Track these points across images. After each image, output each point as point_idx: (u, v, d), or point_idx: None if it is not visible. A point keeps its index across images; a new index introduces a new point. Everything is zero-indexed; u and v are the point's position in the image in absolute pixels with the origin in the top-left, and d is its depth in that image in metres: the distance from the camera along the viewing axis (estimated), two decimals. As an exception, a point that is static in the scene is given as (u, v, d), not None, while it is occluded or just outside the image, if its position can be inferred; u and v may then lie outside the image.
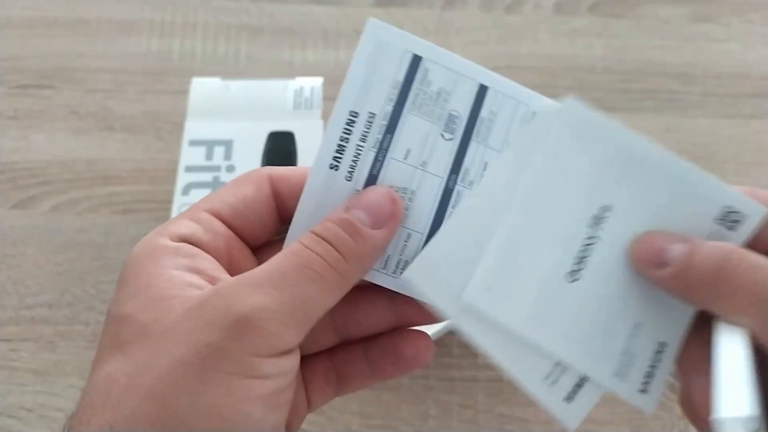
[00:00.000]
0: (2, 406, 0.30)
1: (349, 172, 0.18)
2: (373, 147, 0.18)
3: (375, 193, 0.17)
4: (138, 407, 0.13)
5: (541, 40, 0.41)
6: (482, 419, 0.30)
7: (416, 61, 0.18)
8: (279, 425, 0.15)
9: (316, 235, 0.16)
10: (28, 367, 0.31)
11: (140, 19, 0.41)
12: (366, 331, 0.19)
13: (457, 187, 0.18)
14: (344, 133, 0.18)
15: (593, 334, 0.18)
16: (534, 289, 0.17)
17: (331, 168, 0.18)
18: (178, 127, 0.36)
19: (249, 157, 0.33)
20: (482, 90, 0.19)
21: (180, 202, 0.31)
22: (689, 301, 0.17)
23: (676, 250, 0.16)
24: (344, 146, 0.18)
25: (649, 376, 0.18)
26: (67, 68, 0.39)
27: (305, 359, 0.19)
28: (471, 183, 0.18)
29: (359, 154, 0.18)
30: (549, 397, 0.18)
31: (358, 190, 0.18)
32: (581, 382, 0.18)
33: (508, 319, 0.17)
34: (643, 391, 0.18)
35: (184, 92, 0.35)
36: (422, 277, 0.17)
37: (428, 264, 0.17)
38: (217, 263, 0.16)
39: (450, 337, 0.32)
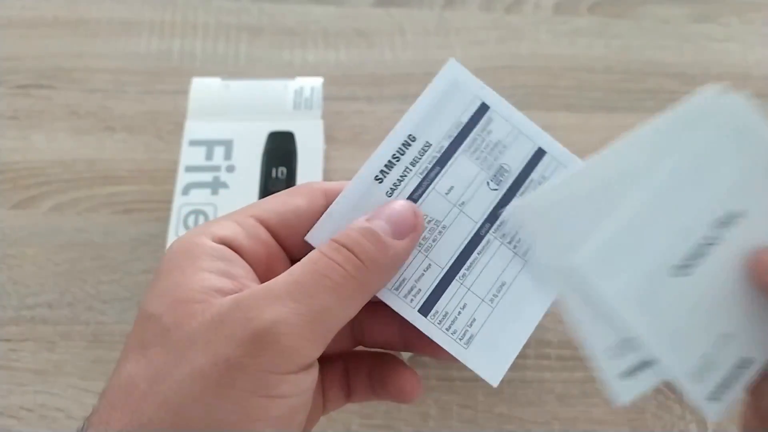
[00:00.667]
0: (2, 406, 0.30)
1: (392, 188, 0.18)
2: (421, 173, 0.19)
3: (397, 205, 0.17)
4: (155, 415, 0.14)
5: (541, 40, 0.41)
6: (482, 419, 0.30)
7: (483, 108, 0.20)
8: None
9: (337, 242, 0.16)
10: (29, 367, 0.31)
11: (140, 19, 0.41)
12: (379, 343, 0.19)
13: (488, 236, 0.19)
14: (398, 152, 0.19)
15: (683, 331, 0.18)
16: (641, 273, 0.17)
17: (376, 179, 0.18)
18: (179, 127, 0.36)
19: (249, 157, 0.33)
20: (539, 153, 0.20)
21: (180, 202, 0.31)
22: None
23: None
24: (394, 163, 0.19)
25: (724, 386, 0.18)
26: (67, 68, 0.39)
27: (323, 364, 0.18)
28: (503, 236, 0.19)
29: (405, 176, 0.19)
30: (605, 368, 0.18)
31: None
32: (642, 366, 0.18)
33: (609, 293, 0.17)
34: (713, 399, 0.18)
35: (184, 92, 0.35)
36: (531, 215, 0.17)
37: (542, 206, 0.17)
38: (252, 271, 0.16)
39: (450, 337, 0.32)
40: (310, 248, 0.18)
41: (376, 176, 0.18)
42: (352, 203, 0.18)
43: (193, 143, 0.33)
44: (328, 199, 0.18)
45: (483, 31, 0.42)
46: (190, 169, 0.32)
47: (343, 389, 0.19)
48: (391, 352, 0.20)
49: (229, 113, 0.34)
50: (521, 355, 0.32)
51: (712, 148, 0.17)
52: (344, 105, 0.39)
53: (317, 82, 0.35)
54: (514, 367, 0.31)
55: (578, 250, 0.17)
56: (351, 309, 0.15)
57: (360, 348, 0.20)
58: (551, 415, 0.30)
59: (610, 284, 0.17)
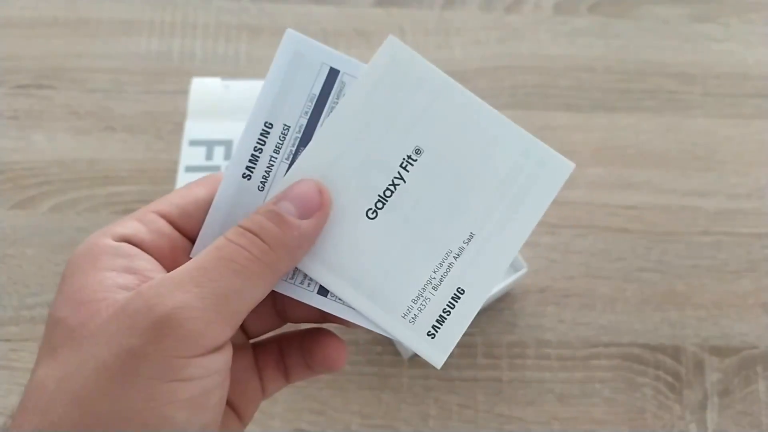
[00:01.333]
0: (2, 406, 0.30)
1: (262, 182, 0.18)
2: (287, 159, 0.18)
3: (302, 184, 0.17)
4: (64, 413, 0.14)
5: (541, 40, 0.41)
6: (482, 419, 0.30)
7: (333, 74, 0.19)
8: (210, 425, 0.15)
9: (242, 227, 0.15)
10: (29, 367, 0.31)
11: (140, 19, 0.41)
12: (301, 318, 0.19)
13: None
14: (258, 143, 0.18)
15: (389, 274, 0.18)
16: (336, 222, 0.17)
17: (244, 177, 0.18)
18: (179, 127, 0.36)
19: None
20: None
21: None
22: None
23: None
24: (258, 156, 0.18)
25: (441, 322, 0.18)
26: (66, 68, 0.39)
27: (256, 346, 0.19)
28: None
29: (272, 165, 0.18)
30: (411, 336, 0.18)
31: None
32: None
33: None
34: (431, 335, 0.18)
35: (184, 92, 0.35)
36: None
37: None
38: (158, 264, 0.16)
39: (450, 337, 0.32)
40: None
41: (244, 174, 0.18)
42: (227, 209, 0.17)
43: (193, 143, 0.33)
44: None
45: (483, 31, 0.42)
46: (190, 169, 0.32)
47: (280, 370, 0.19)
48: (318, 325, 0.20)
49: (229, 113, 0.34)
50: (520, 355, 0.32)
51: (379, 89, 0.18)
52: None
53: None
54: (513, 366, 0.31)
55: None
56: (259, 290, 0.15)
57: (293, 328, 0.20)
58: (551, 415, 0.30)
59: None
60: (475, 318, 0.32)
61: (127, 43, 0.40)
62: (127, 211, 0.35)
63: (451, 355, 0.31)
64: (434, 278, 0.18)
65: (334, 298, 0.18)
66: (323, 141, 0.18)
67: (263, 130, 0.18)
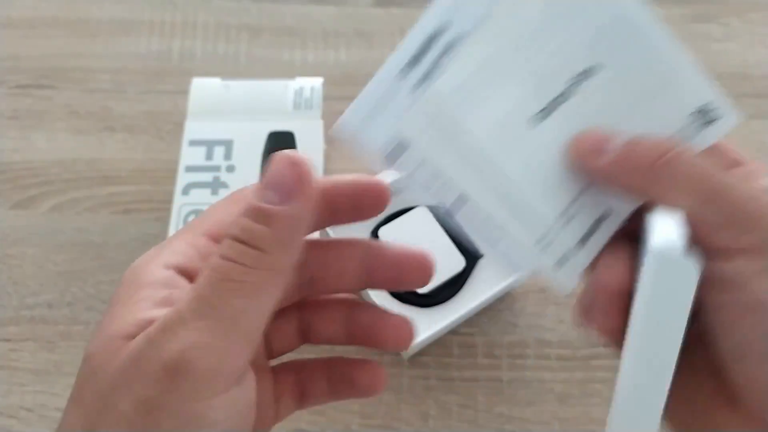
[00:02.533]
0: (2, 406, 0.30)
1: (417, 82, 0.16)
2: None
3: (275, 163, 0.15)
4: None
5: (541, 40, 0.41)
6: (482, 419, 0.30)
7: None
8: None
9: (230, 238, 0.14)
10: (28, 367, 0.31)
11: (140, 19, 0.41)
12: (324, 338, 0.18)
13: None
14: (426, 42, 0.17)
15: (535, 191, 0.17)
16: (501, 115, 0.17)
17: (401, 72, 0.16)
18: (179, 127, 0.36)
19: (249, 157, 0.33)
20: None
21: (180, 202, 0.32)
22: (625, 187, 0.17)
23: (618, 141, 0.17)
24: (422, 56, 0.16)
25: (575, 249, 0.18)
26: (67, 68, 0.39)
27: (276, 374, 0.18)
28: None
29: (434, 69, 0.16)
30: (541, 263, 0.17)
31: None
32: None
33: (471, 127, 0.16)
34: (559, 265, 0.18)
35: (184, 92, 0.35)
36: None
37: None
38: None
39: (450, 336, 0.32)
40: None
41: (402, 68, 0.16)
42: (370, 105, 0.17)
43: (193, 143, 0.33)
44: None
45: (483, 31, 0.42)
46: (190, 169, 0.32)
47: (295, 397, 0.18)
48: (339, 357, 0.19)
49: (229, 113, 0.34)
50: (520, 355, 0.32)
51: (574, 7, 0.17)
52: (344, 105, 0.38)
53: (317, 82, 0.35)
54: (513, 366, 0.31)
55: (439, 80, 0.16)
56: (266, 301, 0.14)
57: (308, 357, 0.19)
58: (551, 414, 0.30)
59: (472, 117, 0.16)
60: (475, 318, 0.33)
61: (127, 43, 0.40)
62: (127, 211, 0.35)
63: (450, 355, 0.31)
64: (576, 203, 0.18)
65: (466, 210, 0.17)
66: (490, 39, 0.16)
67: (436, 29, 0.17)
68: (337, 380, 0.18)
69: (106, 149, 0.37)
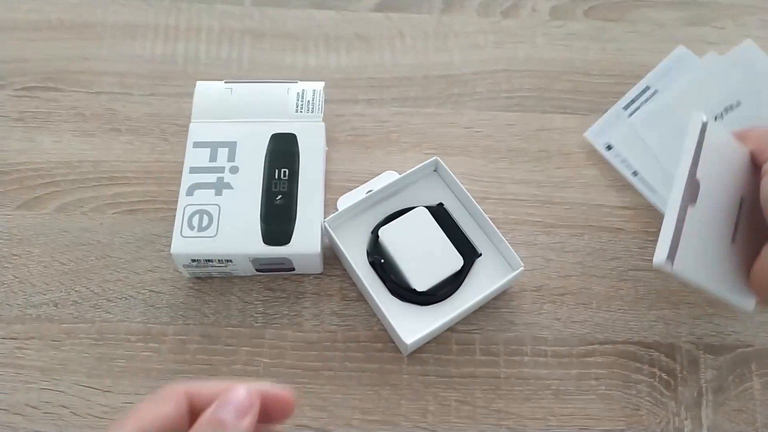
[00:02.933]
0: (8, 403, 0.30)
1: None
2: None
3: (234, 395, 0.19)
4: None
5: (538, 44, 0.42)
6: (479, 415, 0.31)
7: None
8: None
9: None
10: (34, 365, 0.31)
11: (145, 23, 0.42)
12: None
13: None
14: None
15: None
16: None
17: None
18: (183, 129, 0.36)
19: (252, 158, 0.33)
20: None
21: (185, 203, 0.32)
22: None
23: None
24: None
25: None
26: (72, 71, 0.40)
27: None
28: None
29: None
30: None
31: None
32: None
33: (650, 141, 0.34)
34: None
35: (188, 95, 0.36)
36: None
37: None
38: None
39: (448, 334, 0.32)
40: None
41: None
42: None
43: (197, 145, 0.34)
44: (191, 401, 0.20)
45: (481, 35, 0.42)
46: (194, 170, 0.33)
47: None
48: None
49: (232, 115, 0.35)
50: (518, 352, 0.32)
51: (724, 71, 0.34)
52: (345, 108, 0.39)
53: (319, 86, 0.36)
54: (510, 363, 0.32)
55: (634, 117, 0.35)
56: None
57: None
58: (548, 411, 0.31)
59: (651, 135, 0.35)
60: (473, 315, 0.33)
61: (133, 46, 0.41)
62: (132, 212, 0.35)
63: (449, 352, 0.32)
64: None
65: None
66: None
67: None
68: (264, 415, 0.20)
69: (112, 151, 0.37)
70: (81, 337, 0.32)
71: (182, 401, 0.19)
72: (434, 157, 0.35)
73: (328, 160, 0.37)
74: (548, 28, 0.43)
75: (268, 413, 0.20)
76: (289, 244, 0.31)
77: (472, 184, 0.37)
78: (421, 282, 0.31)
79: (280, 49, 0.41)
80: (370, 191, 0.34)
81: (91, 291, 0.33)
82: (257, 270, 0.33)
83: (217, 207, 0.32)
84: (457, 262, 0.32)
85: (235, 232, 0.31)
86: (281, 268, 0.33)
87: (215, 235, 0.31)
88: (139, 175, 0.36)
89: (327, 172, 0.37)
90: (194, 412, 0.20)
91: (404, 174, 0.34)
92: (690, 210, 0.26)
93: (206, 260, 0.31)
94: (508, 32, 0.42)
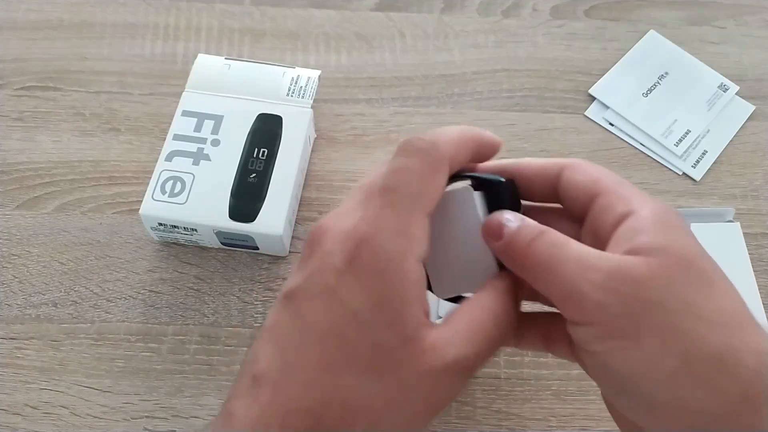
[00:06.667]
0: (8, 404, 0.30)
1: None
2: None
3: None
4: (390, 429, 0.17)
5: (539, 44, 0.42)
6: (480, 415, 0.30)
7: None
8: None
9: (503, 326, 0.20)
10: (33, 365, 0.31)
11: (145, 23, 0.42)
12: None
13: None
14: None
15: None
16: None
17: None
18: (182, 128, 0.36)
19: (235, 134, 0.34)
20: None
21: (162, 167, 0.33)
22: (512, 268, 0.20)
23: (512, 226, 0.19)
24: None
25: None
26: (72, 70, 0.40)
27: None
28: None
29: None
30: None
31: None
32: None
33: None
34: None
35: (187, 94, 0.36)
36: None
37: None
38: (425, 283, 0.19)
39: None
40: None
41: None
42: None
43: (186, 113, 0.34)
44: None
45: (481, 34, 0.42)
46: (177, 137, 0.33)
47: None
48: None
49: (225, 90, 0.35)
50: (518, 353, 0.32)
51: None
52: (345, 107, 0.39)
53: (314, 73, 0.36)
54: (511, 364, 0.32)
55: None
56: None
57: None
58: (548, 411, 0.31)
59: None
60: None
61: (132, 45, 0.41)
62: (132, 212, 0.35)
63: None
64: None
65: None
66: None
67: None
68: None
69: (111, 150, 0.37)
70: (80, 337, 0.32)
71: (447, 172, 0.20)
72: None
73: (329, 159, 0.37)
74: (549, 28, 0.43)
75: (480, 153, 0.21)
76: (254, 222, 0.31)
77: (472, 184, 0.37)
78: (442, 287, 0.23)
79: (280, 48, 0.41)
80: None
81: (91, 291, 0.33)
82: (222, 243, 0.33)
83: (192, 176, 0.32)
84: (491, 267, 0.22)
85: (204, 202, 0.32)
86: (245, 245, 0.33)
87: (185, 203, 0.32)
88: (138, 174, 0.36)
89: (327, 172, 0.37)
90: None
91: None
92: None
93: (172, 226, 0.32)
94: (509, 32, 0.42)
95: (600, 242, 0.19)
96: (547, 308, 0.22)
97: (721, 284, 0.18)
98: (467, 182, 0.21)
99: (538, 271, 0.18)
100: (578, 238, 0.19)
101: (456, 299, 0.23)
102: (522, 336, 0.23)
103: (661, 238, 0.18)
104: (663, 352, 0.16)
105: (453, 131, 0.20)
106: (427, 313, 0.18)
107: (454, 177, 0.21)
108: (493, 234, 0.20)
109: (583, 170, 0.21)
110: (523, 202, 0.22)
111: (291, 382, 0.17)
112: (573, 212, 0.21)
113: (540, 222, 0.20)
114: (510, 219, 0.19)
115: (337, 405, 0.16)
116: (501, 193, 0.21)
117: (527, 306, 0.23)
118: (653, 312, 0.17)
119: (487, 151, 0.21)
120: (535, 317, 0.23)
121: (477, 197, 0.21)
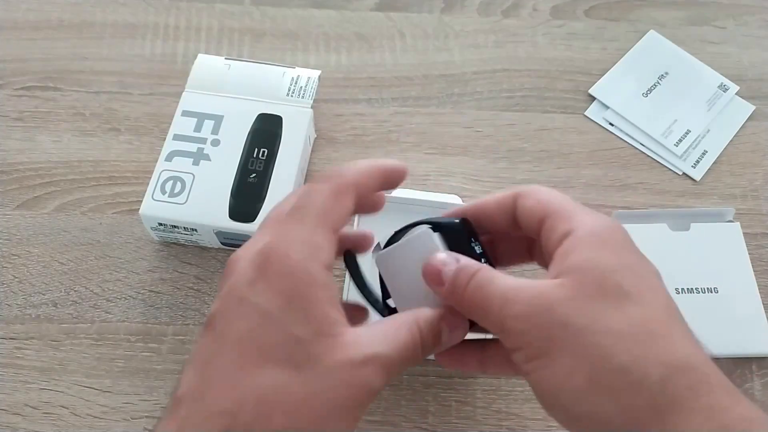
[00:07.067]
0: (8, 404, 0.30)
1: None
2: None
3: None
4: (308, 424, 0.17)
5: (539, 44, 0.42)
6: (480, 415, 0.30)
7: None
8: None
9: (424, 335, 0.20)
10: (33, 365, 0.31)
11: (145, 23, 0.42)
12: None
13: None
14: None
15: None
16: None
17: None
18: (182, 128, 0.36)
19: (235, 134, 0.34)
20: None
21: (162, 167, 0.33)
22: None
23: (449, 269, 0.20)
24: None
25: None
26: (72, 70, 0.40)
27: None
28: None
29: None
30: None
31: None
32: None
33: None
34: None
35: (187, 94, 0.36)
36: None
37: None
38: (336, 290, 0.20)
39: (449, 335, 0.32)
40: None
41: None
42: None
43: (186, 113, 0.34)
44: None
45: (481, 34, 0.42)
46: (177, 137, 0.33)
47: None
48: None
49: (225, 90, 0.35)
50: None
51: None
52: (345, 107, 0.39)
53: (314, 73, 0.36)
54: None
55: None
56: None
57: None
58: (548, 411, 0.31)
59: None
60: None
61: (132, 45, 0.41)
62: (132, 212, 0.35)
63: (449, 353, 0.32)
64: None
65: None
66: None
67: None
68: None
69: (111, 150, 0.37)
70: (80, 337, 0.32)
71: (353, 198, 0.21)
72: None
73: (329, 159, 0.37)
74: (549, 28, 0.43)
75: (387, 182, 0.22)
76: (254, 222, 0.31)
77: (472, 184, 0.37)
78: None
79: (280, 48, 0.41)
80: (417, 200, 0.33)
81: (91, 291, 0.33)
82: (222, 244, 0.33)
83: (192, 176, 0.32)
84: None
85: (204, 202, 0.32)
86: None
87: (185, 203, 0.32)
88: (138, 174, 0.36)
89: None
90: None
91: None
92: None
93: (173, 225, 0.32)
94: (509, 32, 0.42)
95: (550, 262, 0.20)
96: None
97: (638, 294, 0.18)
98: (427, 227, 0.23)
99: (474, 311, 0.20)
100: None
101: None
102: (486, 363, 0.23)
103: (581, 258, 0.19)
104: (573, 368, 0.18)
105: (361, 162, 0.22)
106: (343, 317, 0.19)
107: (414, 225, 0.23)
108: (434, 281, 0.21)
109: (534, 195, 0.22)
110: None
111: (208, 390, 0.17)
112: (531, 236, 0.22)
113: (506, 246, 0.23)
114: (446, 262, 0.21)
115: (253, 401, 0.17)
116: (456, 231, 0.22)
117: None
118: (564, 331, 0.18)
119: (394, 176, 0.22)
120: (497, 346, 0.24)
121: (436, 237, 0.22)
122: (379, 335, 0.19)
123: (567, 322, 0.18)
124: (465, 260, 0.21)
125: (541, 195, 0.21)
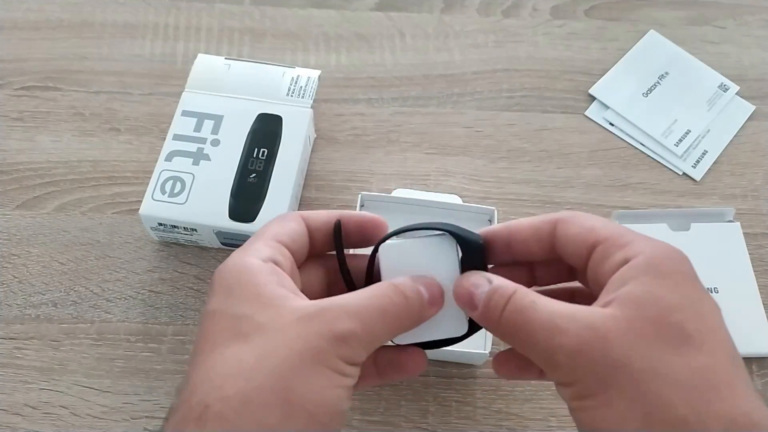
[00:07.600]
0: (7, 404, 0.30)
1: None
2: None
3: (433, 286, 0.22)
4: (264, 381, 0.18)
5: (539, 43, 0.42)
6: (480, 415, 0.30)
7: None
8: (346, 408, 0.20)
9: (398, 288, 0.20)
10: (33, 365, 0.31)
11: (145, 23, 0.42)
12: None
13: None
14: None
15: None
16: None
17: None
18: (182, 128, 0.36)
19: (235, 134, 0.34)
20: None
21: (161, 167, 0.33)
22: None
23: (482, 291, 0.20)
24: None
25: None
26: (72, 70, 0.40)
27: None
28: None
29: None
30: None
31: None
32: None
33: None
34: None
35: (187, 94, 0.36)
36: None
37: None
38: (291, 280, 0.21)
39: (449, 335, 0.32)
40: (303, 259, 0.23)
41: None
42: None
43: (186, 113, 0.34)
44: (307, 222, 0.23)
45: (481, 34, 0.42)
46: (177, 137, 0.33)
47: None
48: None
49: (225, 90, 0.35)
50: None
51: None
52: (345, 107, 0.39)
53: (314, 73, 0.36)
54: (512, 364, 0.32)
55: None
56: (392, 336, 0.21)
57: None
58: (548, 411, 0.31)
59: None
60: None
61: (132, 45, 0.41)
62: (132, 212, 0.35)
63: (449, 353, 0.32)
64: None
65: None
66: None
67: None
68: (385, 365, 0.23)
69: (111, 150, 0.37)
70: (80, 338, 0.32)
71: (301, 221, 0.23)
72: (493, 209, 0.32)
73: (329, 159, 0.37)
74: (549, 28, 0.43)
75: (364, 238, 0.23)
76: (254, 222, 0.31)
77: (472, 184, 0.37)
78: (416, 333, 0.22)
79: (280, 48, 0.41)
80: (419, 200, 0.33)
81: (91, 291, 0.33)
82: (222, 244, 0.33)
83: (192, 176, 0.32)
84: (459, 327, 0.22)
85: (204, 202, 0.32)
86: None
87: (184, 203, 0.32)
88: (138, 174, 0.36)
89: (327, 172, 0.37)
90: (311, 231, 0.23)
91: (462, 204, 0.33)
92: None
93: (172, 225, 0.32)
94: (509, 31, 0.42)
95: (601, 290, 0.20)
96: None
97: (700, 338, 0.17)
98: (449, 235, 0.22)
99: (515, 339, 0.19)
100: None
101: (434, 344, 0.23)
102: (524, 369, 0.23)
103: (640, 290, 0.18)
104: (627, 413, 0.17)
105: (324, 211, 0.23)
106: (298, 295, 0.20)
107: (428, 227, 0.22)
108: (466, 303, 0.21)
109: (577, 222, 0.21)
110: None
111: (178, 392, 0.19)
112: (573, 264, 0.21)
113: (543, 272, 0.23)
114: (478, 284, 0.20)
115: (205, 377, 0.18)
116: (475, 250, 0.22)
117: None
118: (619, 373, 0.17)
119: (369, 225, 0.23)
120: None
121: (456, 249, 0.22)
122: (345, 294, 0.20)
123: (624, 363, 0.17)
124: (498, 280, 0.20)
125: (585, 221, 0.20)
